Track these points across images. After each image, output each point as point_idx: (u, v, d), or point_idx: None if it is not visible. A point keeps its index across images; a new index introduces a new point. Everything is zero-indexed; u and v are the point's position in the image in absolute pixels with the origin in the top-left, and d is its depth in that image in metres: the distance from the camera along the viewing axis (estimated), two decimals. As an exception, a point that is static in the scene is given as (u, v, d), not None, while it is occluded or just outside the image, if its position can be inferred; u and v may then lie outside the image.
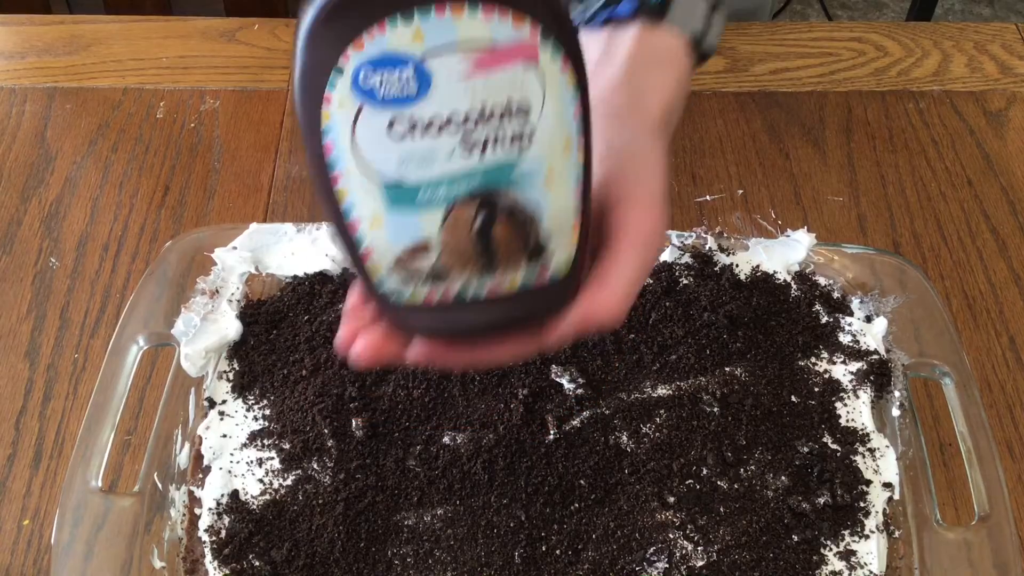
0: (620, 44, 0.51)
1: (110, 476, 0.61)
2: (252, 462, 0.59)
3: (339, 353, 0.44)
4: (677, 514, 0.56)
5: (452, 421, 0.60)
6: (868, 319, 0.65)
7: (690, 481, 0.58)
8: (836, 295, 0.66)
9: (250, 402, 0.61)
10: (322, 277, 0.67)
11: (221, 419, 0.60)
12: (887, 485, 0.58)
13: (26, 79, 0.88)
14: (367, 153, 0.35)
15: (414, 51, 0.33)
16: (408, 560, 0.55)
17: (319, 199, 0.37)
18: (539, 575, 0.54)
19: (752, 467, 0.58)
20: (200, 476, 0.58)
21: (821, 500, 0.57)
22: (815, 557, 0.55)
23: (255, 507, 0.57)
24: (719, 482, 0.58)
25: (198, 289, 0.64)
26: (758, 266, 0.67)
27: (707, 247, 0.68)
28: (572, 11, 0.53)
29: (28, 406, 0.66)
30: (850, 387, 0.62)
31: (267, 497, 0.57)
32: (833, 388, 0.62)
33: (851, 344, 0.64)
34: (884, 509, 0.57)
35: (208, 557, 0.55)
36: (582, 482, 0.57)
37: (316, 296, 0.66)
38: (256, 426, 0.60)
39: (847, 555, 0.55)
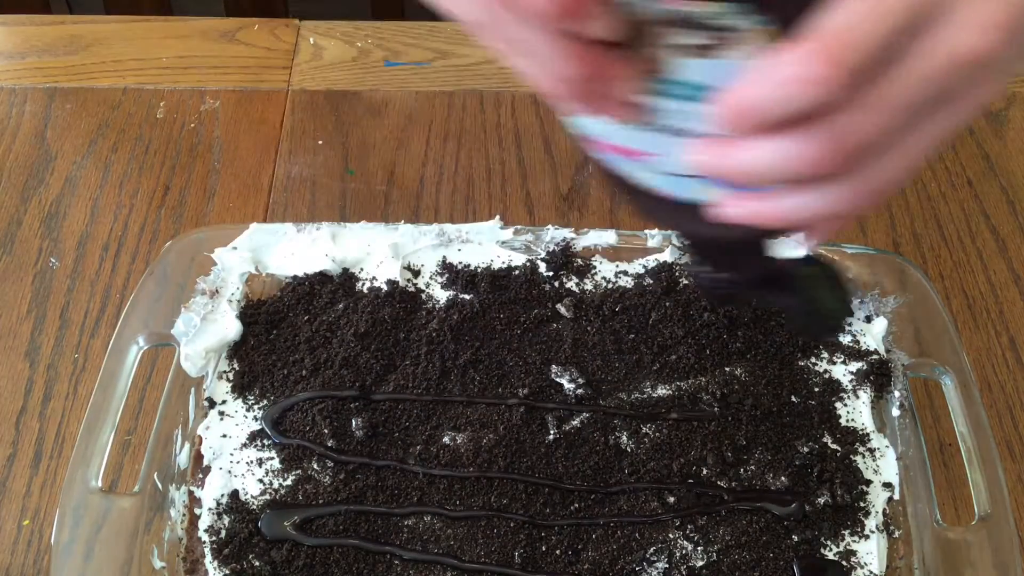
0: None
1: (110, 476, 0.61)
2: (252, 462, 0.59)
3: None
4: (677, 514, 0.56)
5: (452, 421, 0.60)
6: (868, 319, 0.65)
7: (690, 481, 0.58)
8: (836, 295, 0.66)
9: (250, 402, 0.61)
10: (322, 277, 0.67)
11: (221, 419, 0.60)
12: (887, 485, 0.58)
13: (26, 79, 0.88)
14: None
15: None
16: (408, 560, 0.55)
17: None
18: (539, 575, 0.54)
19: (752, 467, 0.58)
20: (200, 476, 0.58)
21: (821, 500, 0.57)
22: (815, 557, 0.55)
23: (255, 507, 0.57)
24: (719, 482, 0.58)
25: (198, 289, 0.64)
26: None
27: (707, 247, 0.68)
28: None
29: (28, 406, 0.66)
30: (850, 387, 0.62)
31: (267, 497, 0.57)
32: (833, 388, 0.62)
33: (851, 344, 0.64)
34: (884, 509, 0.57)
35: (208, 557, 0.55)
36: (582, 482, 0.57)
37: (316, 296, 0.66)
38: (256, 426, 0.60)
39: (847, 555, 0.55)
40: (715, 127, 0.33)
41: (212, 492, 0.57)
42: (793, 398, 0.61)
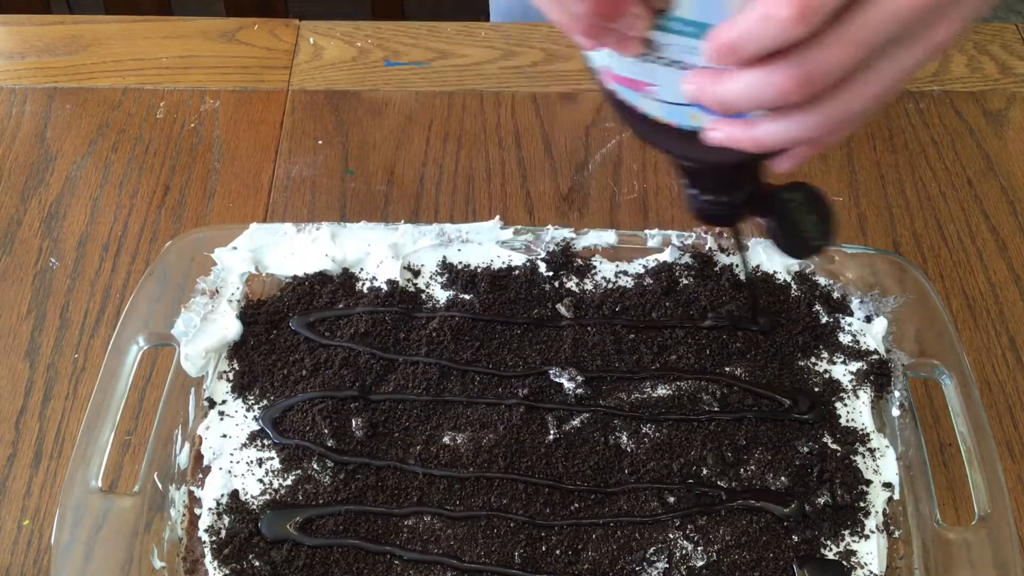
0: None
1: (110, 476, 0.61)
2: (252, 462, 0.59)
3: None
4: (677, 514, 0.56)
5: (452, 421, 0.60)
6: (868, 319, 0.65)
7: (690, 481, 0.58)
8: (836, 295, 0.66)
9: (250, 402, 0.61)
10: (322, 277, 0.67)
11: (221, 419, 0.60)
12: (887, 485, 0.58)
13: (26, 79, 0.88)
14: None
15: None
16: (408, 560, 0.55)
17: None
18: (539, 575, 0.54)
19: (752, 467, 0.58)
20: (200, 476, 0.58)
21: (821, 500, 0.57)
22: (815, 557, 0.55)
23: (255, 507, 0.57)
24: (719, 482, 0.58)
25: (198, 289, 0.64)
26: (758, 266, 0.67)
27: (707, 247, 0.68)
28: None
29: (28, 406, 0.67)
30: (850, 387, 0.62)
31: (267, 497, 0.57)
32: (833, 388, 0.62)
33: (851, 344, 0.64)
34: (884, 509, 0.57)
35: (208, 557, 0.55)
36: (582, 482, 0.57)
37: (316, 296, 0.66)
38: (256, 426, 0.60)
39: (847, 555, 0.55)
40: (706, 60, 0.37)
41: (212, 492, 0.57)
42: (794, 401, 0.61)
